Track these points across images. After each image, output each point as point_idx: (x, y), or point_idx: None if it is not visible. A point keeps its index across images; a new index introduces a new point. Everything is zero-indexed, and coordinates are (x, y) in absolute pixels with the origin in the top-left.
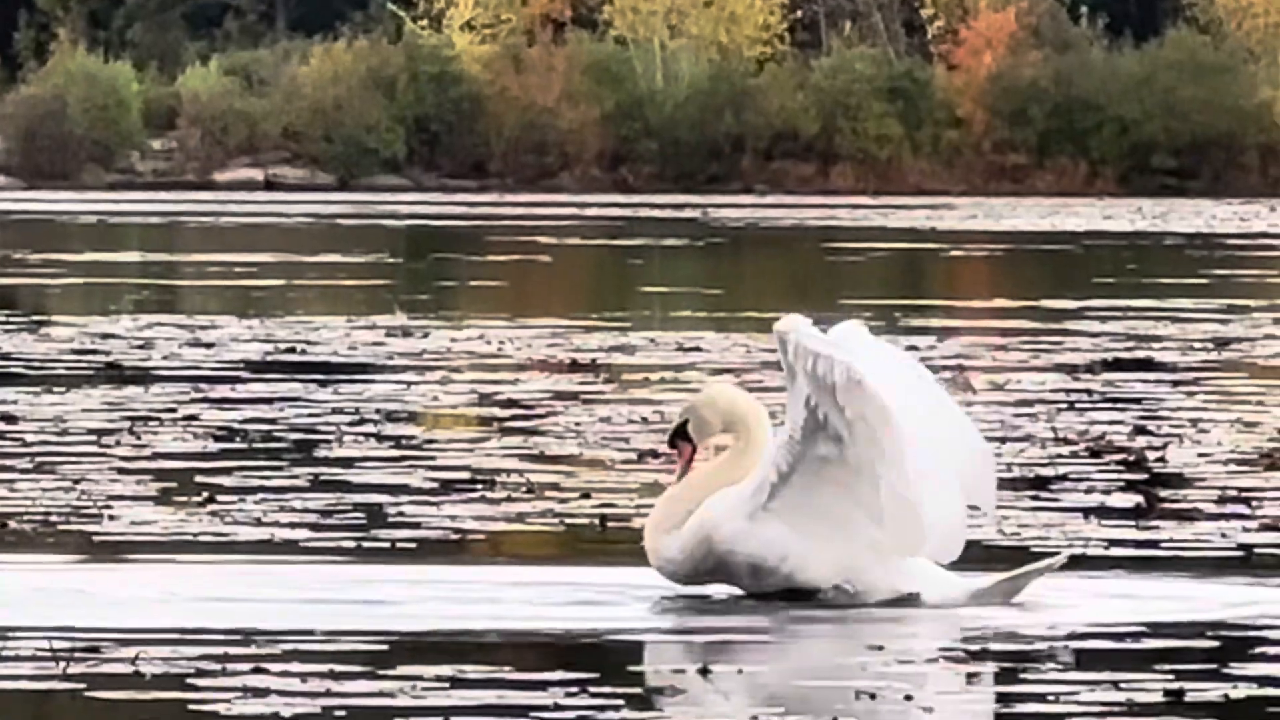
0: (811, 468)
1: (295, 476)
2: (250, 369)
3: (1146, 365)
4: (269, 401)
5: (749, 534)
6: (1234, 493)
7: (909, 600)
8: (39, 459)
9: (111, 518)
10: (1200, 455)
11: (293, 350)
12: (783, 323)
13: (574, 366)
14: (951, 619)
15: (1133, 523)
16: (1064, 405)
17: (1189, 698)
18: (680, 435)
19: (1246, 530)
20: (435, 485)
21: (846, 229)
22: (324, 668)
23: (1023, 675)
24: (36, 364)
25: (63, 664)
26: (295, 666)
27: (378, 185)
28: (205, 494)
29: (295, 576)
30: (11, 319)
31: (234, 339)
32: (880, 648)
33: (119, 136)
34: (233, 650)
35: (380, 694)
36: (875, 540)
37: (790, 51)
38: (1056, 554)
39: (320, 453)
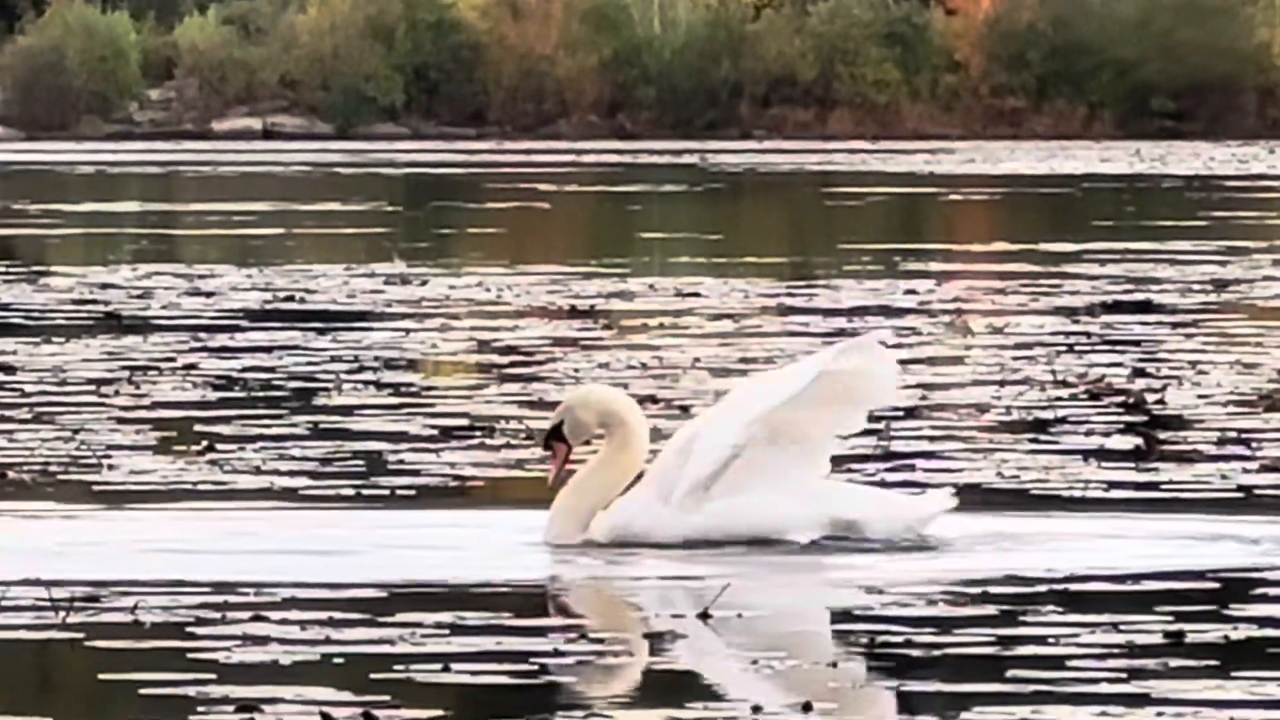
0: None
1: (294, 425)
2: (249, 318)
3: (1145, 307)
4: (268, 350)
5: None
6: (1233, 434)
7: (852, 527)
8: (38, 409)
9: (111, 467)
10: (1199, 397)
11: (291, 299)
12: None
13: (573, 313)
14: (948, 560)
15: (1132, 465)
16: (1063, 348)
17: (1189, 639)
18: (555, 436)
19: (1246, 471)
20: (434, 432)
21: (845, 174)
22: (323, 615)
23: (1021, 617)
24: (35, 314)
25: (62, 613)
26: (294, 614)
27: (376, 134)
28: (204, 443)
29: (294, 524)
30: (10, 269)
31: (233, 288)
32: (879, 590)
33: (117, 87)
34: (232, 599)
35: (379, 641)
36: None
37: None
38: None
39: (319, 401)
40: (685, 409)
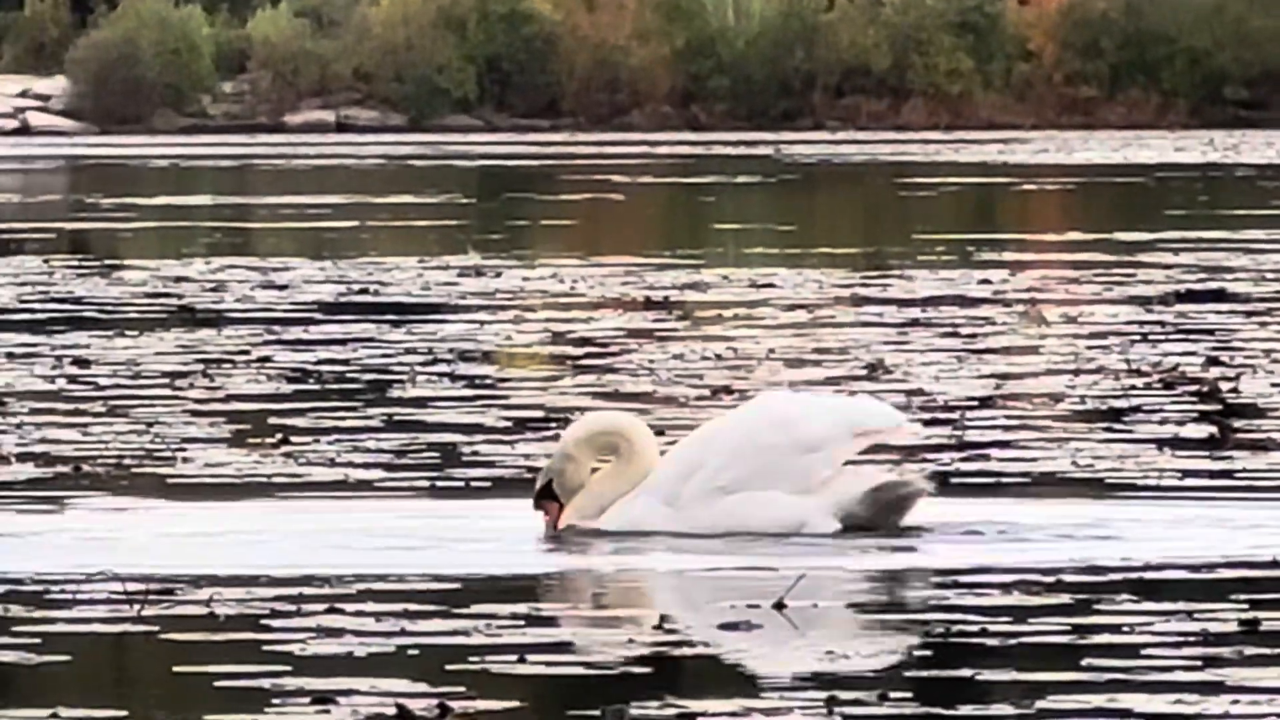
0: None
1: (369, 417)
2: (323, 310)
3: (1219, 296)
4: (342, 342)
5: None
6: None
7: (853, 521)
8: (112, 402)
9: (185, 460)
10: (1273, 385)
11: (366, 291)
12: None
13: (647, 304)
14: (1023, 549)
15: (1206, 453)
16: (1137, 337)
17: (1264, 627)
18: (545, 495)
19: None
20: (509, 424)
21: (918, 164)
22: (398, 607)
23: (1096, 606)
24: (110, 308)
25: (137, 606)
26: (369, 606)
27: (449, 125)
28: (279, 435)
29: (368, 516)
30: (85, 263)
31: (307, 281)
32: (953, 581)
33: (190, 80)
34: (307, 591)
35: (454, 632)
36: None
37: None
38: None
39: (394, 393)
40: None
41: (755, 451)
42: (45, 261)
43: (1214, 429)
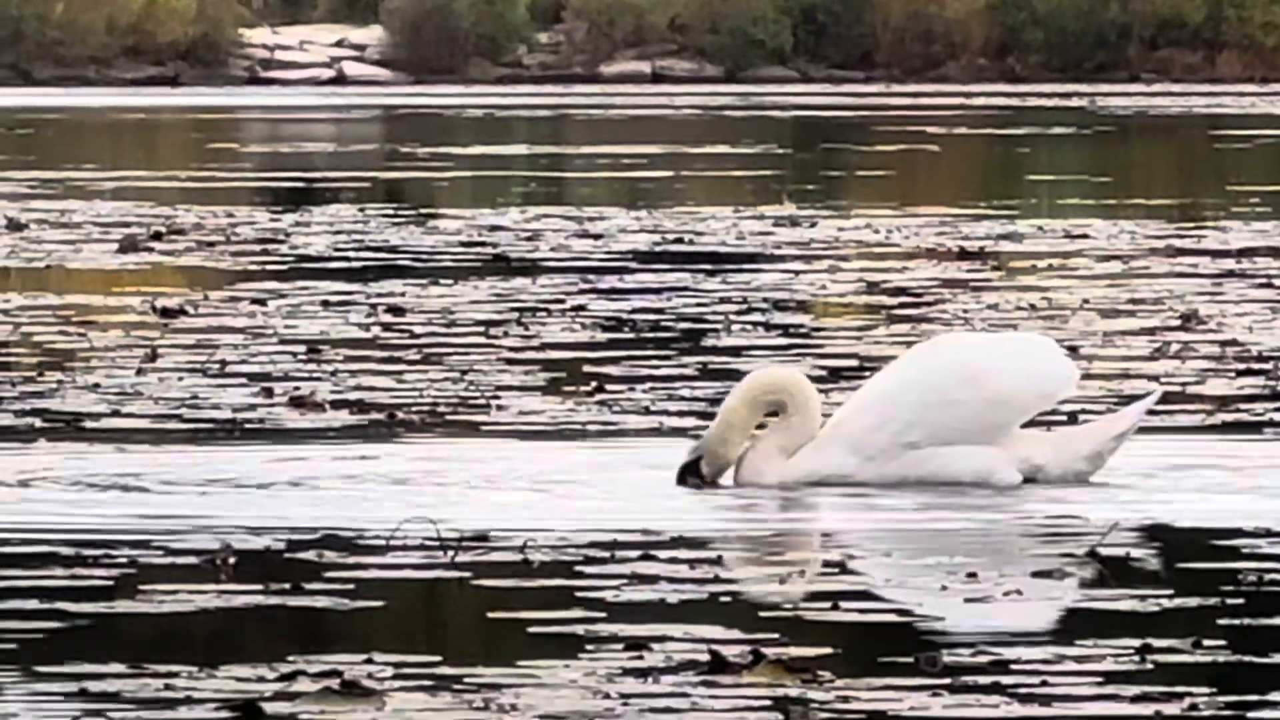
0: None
1: (683, 365)
2: (638, 259)
3: None
4: (657, 291)
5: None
6: None
7: (1038, 473)
8: (427, 350)
9: (499, 408)
10: None
11: (680, 240)
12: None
13: (961, 254)
14: None
15: None
16: None
17: None
18: (690, 472)
19: None
20: (823, 373)
21: (1233, 116)
22: (711, 554)
23: None
24: (424, 256)
25: (451, 553)
26: (683, 554)
27: (764, 77)
28: (593, 383)
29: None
30: (400, 212)
31: (622, 230)
32: (1266, 530)
33: (505, 30)
34: (620, 537)
35: (768, 579)
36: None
37: None
38: (1148, 394)
39: (708, 342)
40: (1074, 350)
41: (944, 407)
42: (360, 210)
43: None
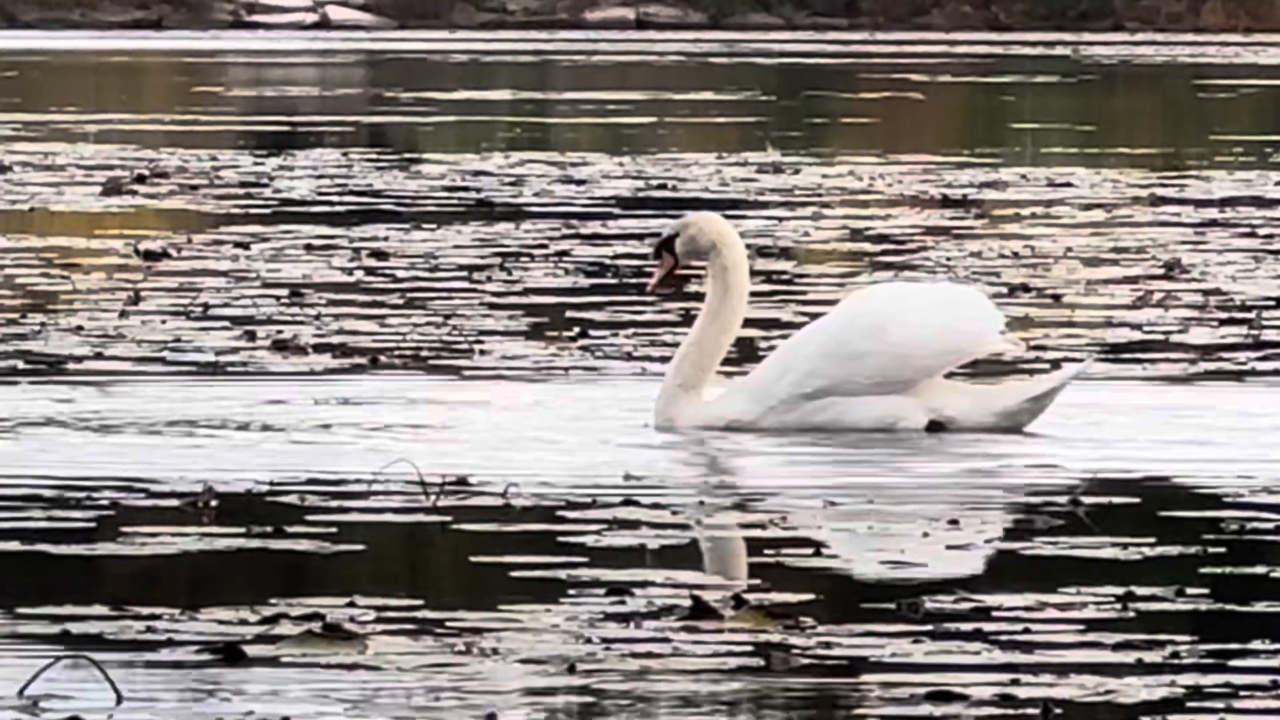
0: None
1: (665, 311)
2: (621, 205)
3: None
4: (639, 237)
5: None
6: None
7: (944, 425)
8: (410, 295)
9: (482, 353)
10: None
11: (664, 187)
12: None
13: (945, 202)
14: None
15: None
16: None
17: None
18: (666, 247)
19: None
20: (806, 319)
21: (1217, 66)
22: (693, 500)
23: None
24: (408, 201)
25: (433, 497)
26: (665, 499)
27: (749, 24)
28: (576, 329)
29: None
30: (383, 156)
31: (605, 176)
32: (1248, 478)
33: None
34: (601, 482)
35: (751, 525)
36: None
37: None
38: (1081, 361)
39: (691, 288)
40: (1057, 298)
41: (847, 359)
42: (344, 155)
43: None
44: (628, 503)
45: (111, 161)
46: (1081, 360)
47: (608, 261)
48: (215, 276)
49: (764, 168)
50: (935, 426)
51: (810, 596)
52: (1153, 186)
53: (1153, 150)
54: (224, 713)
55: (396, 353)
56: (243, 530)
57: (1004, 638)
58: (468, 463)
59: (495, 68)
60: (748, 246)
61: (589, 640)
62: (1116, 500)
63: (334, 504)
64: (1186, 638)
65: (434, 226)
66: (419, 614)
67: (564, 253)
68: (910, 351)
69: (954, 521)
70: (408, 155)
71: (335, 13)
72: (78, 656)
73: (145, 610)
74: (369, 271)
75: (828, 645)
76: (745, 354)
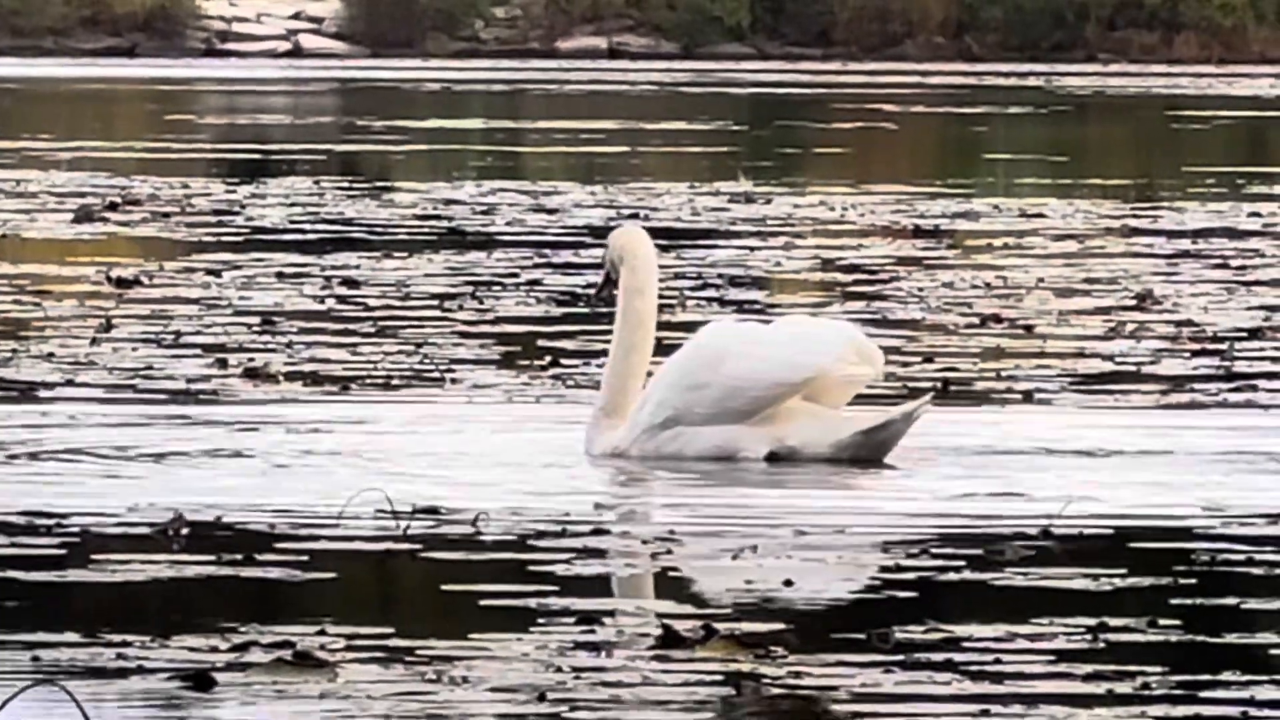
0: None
1: None
2: (593, 234)
3: None
4: None
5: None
6: None
7: (789, 455)
8: (381, 323)
9: (454, 381)
10: None
11: (636, 216)
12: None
13: (917, 232)
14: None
15: None
16: None
17: None
18: (608, 284)
19: None
20: None
21: (1190, 97)
22: (664, 529)
23: None
24: (380, 229)
25: (403, 525)
26: (634, 528)
27: (722, 53)
28: (547, 358)
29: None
30: (355, 185)
31: (577, 205)
32: (1219, 510)
33: (463, 4)
34: (573, 512)
35: (717, 554)
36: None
37: None
38: (924, 396)
39: (663, 317)
40: (1029, 329)
41: (690, 389)
42: (316, 183)
43: None
44: (597, 532)
45: (84, 189)
46: (921, 399)
47: (579, 290)
48: (187, 304)
49: (736, 197)
50: (774, 457)
51: (781, 625)
52: (1125, 217)
53: (1125, 181)
54: None
55: (368, 381)
56: (213, 558)
57: (974, 668)
58: (438, 491)
59: (468, 96)
60: (718, 276)
61: (559, 669)
62: (1088, 530)
63: (304, 532)
64: (1157, 669)
65: (406, 255)
66: (389, 642)
67: (536, 281)
68: (742, 384)
69: (924, 551)
70: (380, 183)
71: (308, 41)
72: (49, 684)
73: (116, 637)
74: (341, 299)
75: (798, 675)
76: None
